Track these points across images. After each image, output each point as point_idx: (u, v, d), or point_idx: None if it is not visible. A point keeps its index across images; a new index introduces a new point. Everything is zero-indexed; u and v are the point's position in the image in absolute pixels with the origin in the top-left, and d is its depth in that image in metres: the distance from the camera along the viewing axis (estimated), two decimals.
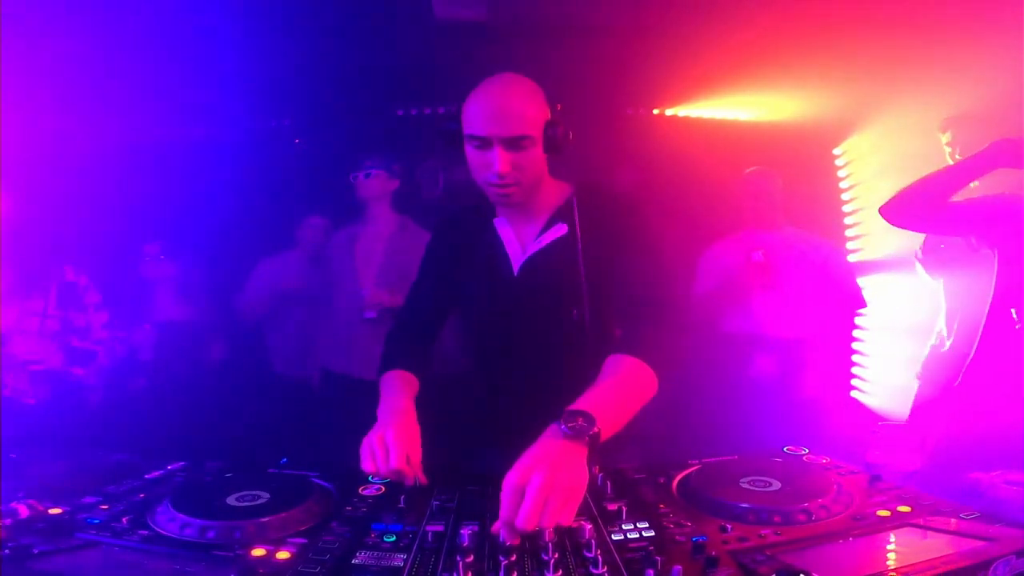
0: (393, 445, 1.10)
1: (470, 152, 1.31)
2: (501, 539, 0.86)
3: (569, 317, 1.35)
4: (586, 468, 0.95)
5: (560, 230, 1.39)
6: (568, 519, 0.88)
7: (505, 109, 1.25)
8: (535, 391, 1.17)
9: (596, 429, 0.97)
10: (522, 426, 1.01)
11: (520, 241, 1.43)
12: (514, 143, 1.25)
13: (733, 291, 2.76)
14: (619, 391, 1.11)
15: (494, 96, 1.27)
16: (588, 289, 1.33)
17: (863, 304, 2.92)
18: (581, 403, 1.02)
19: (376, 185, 2.64)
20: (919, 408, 2.09)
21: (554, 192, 1.42)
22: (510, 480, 0.88)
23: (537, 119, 1.28)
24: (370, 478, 1.15)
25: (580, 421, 0.97)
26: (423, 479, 1.13)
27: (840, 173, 3.32)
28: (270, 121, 3.25)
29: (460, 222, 1.53)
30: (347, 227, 2.76)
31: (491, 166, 1.27)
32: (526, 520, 0.84)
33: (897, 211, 2.01)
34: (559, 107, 1.33)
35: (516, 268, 1.41)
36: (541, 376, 1.40)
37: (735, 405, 2.71)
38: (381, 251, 2.66)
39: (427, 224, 2.68)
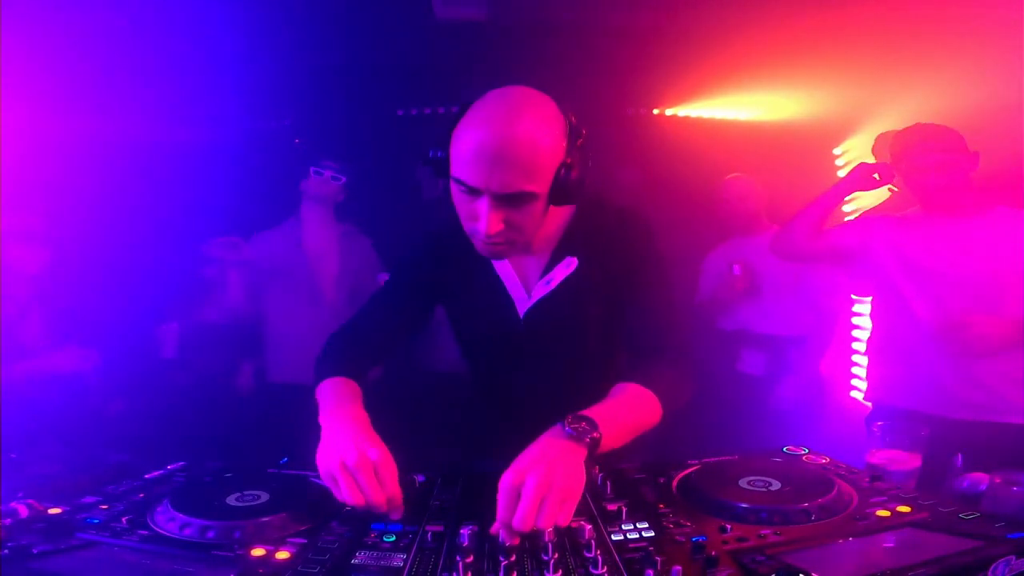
0: (385, 469, 0.95)
1: (456, 194, 1.07)
2: (500, 540, 0.86)
3: (579, 360, 1.27)
4: (584, 469, 0.94)
5: (569, 265, 1.23)
6: (565, 520, 0.87)
7: (504, 158, 0.98)
8: (539, 423, 1.11)
9: (597, 434, 0.96)
10: (523, 443, 0.98)
11: (523, 279, 1.26)
12: (509, 199, 1.02)
13: (725, 300, 2.79)
14: (624, 410, 1.08)
15: (492, 137, 0.98)
16: (601, 328, 1.25)
17: (845, 306, 2.95)
18: (586, 412, 1.01)
19: (336, 189, 2.60)
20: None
21: (554, 218, 1.23)
22: (506, 480, 0.87)
23: (545, 168, 1.02)
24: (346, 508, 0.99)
25: (583, 424, 0.96)
26: (399, 504, 0.96)
27: (840, 173, 3.32)
28: (270, 122, 3.25)
29: (450, 244, 1.28)
30: (278, 228, 2.64)
31: (478, 219, 1.05)
32: (522, 521, 0.83)
33: (782, 245, 2.22)
34: (580, 142, 1.06)
35: (521, 313, 1.26)
36: (546, 412, 1.33)
37: (735, 405, 2.72)
38: (335, 254, 2.62)
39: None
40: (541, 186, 1.03)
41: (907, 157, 1.96)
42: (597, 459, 1.02)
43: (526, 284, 1.26)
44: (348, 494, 0.93)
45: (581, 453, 0.95)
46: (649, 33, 2.79)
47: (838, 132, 3.27)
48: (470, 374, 1.45)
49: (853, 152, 3.24)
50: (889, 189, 2.09)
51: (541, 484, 0.85)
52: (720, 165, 2.96)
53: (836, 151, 3.34)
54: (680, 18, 2.64)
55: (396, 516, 0.95)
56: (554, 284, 1.23)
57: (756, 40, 2.56)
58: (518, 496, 0.86)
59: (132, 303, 2.60)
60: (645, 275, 1.23)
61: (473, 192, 1.03)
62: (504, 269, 1.27)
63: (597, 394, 1.10)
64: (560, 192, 1.06)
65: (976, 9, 2.18)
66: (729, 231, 2.94)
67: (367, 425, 1.04)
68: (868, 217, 2.12)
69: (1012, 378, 1.81)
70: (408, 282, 1.33)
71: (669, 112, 3.40)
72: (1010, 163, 2.10)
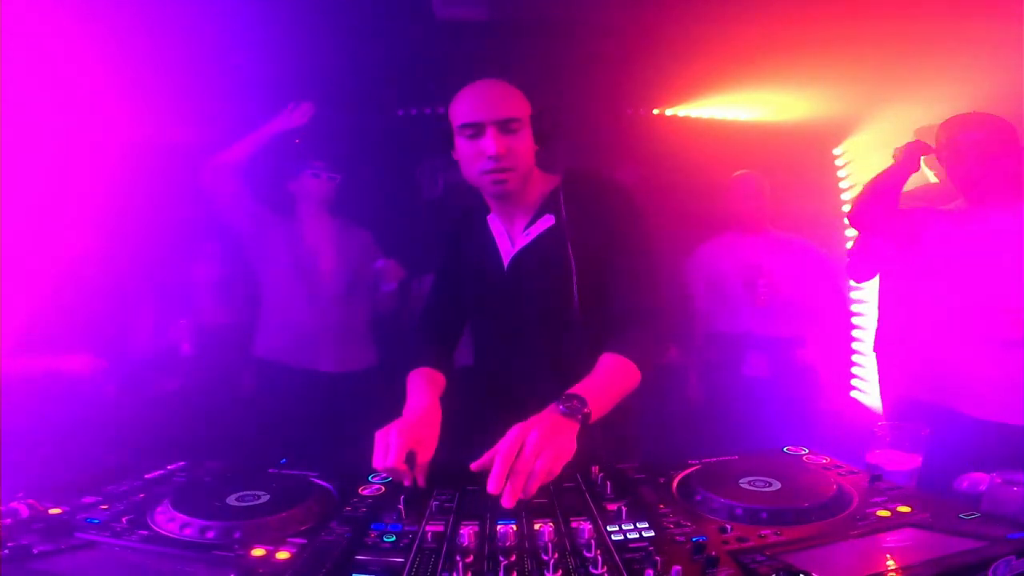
0: (395, 442, 1.12)
1: (463, 145, 1.33)
2: (503, 504, 0.93)
3: (560, 308, 1.37)
4: (575, 441, 1.05)
5: (547, 221, 1.40)
6: (556, 471, 0.98)
7: (494, 94, 1.31)
8: (532, 383, 1.19)
9: (588, 410, 1.09)
10: (520, 418, 1.04)
11: (509, 236, 1.45)
12: (506, 126, 1.30)
13: (720, 295, 2.78)
14: (609, 383, 1.21)
15: (481, 86, 1.33)
16: (577, 278, 1.34)
17: (846, 307, 2.94)
18: (576, 389, 1.13)
19: (332, 189, 2.62)
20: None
21: (543, 184, 1.44)
22: (512, 431, 0.99)
23: (523, 106, 1.34)
24: (369, 477, 1.16)
25: (575, 403, 1.09)
26: (420, 481, 1.13)
27: (840, 173, 3.32)
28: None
29: (463, 219, 1.57)
30: (277, 226, 2.62)
31: (485, 152, 1.30)
32: (525, 461, 0.95)
33: (858, 218, 2.15)
34: (538, 107, 1.38)
35: (506, 263, 1.44)
36: (536, 368, 1.41)
37: (735, 405, 2.71)
38: (334, 250, 2.63)
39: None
40: (524, 115, 1.32)
41: (950, 144, 1.89)
42: (598, 458, 1.12)
43: (511, 238, 1.46)
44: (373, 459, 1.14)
45: (574, 427, 1.07)
46: (649, 33, 2.78)
47: (838, 132, 3.27)
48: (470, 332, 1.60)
49: (853, 152, 3.25)
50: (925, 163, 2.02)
51: (544, 436, 0.98)
52: (720, 165, 2.95)
53: (836, 151, 3.34)
54: (680, 18, 2.64)
55: (407, 483, 1.12)
56: (532, 236, 1.42)
57: (756, 40, 2.56)
58: (520, 446, 0.97)
59: (137, 304, 2.60)
60: (620, 239, 1.36)
61: (478, 131, 1.29)
62: (496, 227, 1.47)
63: (578, 343, 1.29)
64: (539, 132, 1.35)
65: (977, 10, 2.18)
66: (726, 227, 2.91)
67: (416, 411, 1.25)
68: (918, 210, 2.07)
69: None
70: (446, 265, 1.58)
71: (669, 112, 3.40)
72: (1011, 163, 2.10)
